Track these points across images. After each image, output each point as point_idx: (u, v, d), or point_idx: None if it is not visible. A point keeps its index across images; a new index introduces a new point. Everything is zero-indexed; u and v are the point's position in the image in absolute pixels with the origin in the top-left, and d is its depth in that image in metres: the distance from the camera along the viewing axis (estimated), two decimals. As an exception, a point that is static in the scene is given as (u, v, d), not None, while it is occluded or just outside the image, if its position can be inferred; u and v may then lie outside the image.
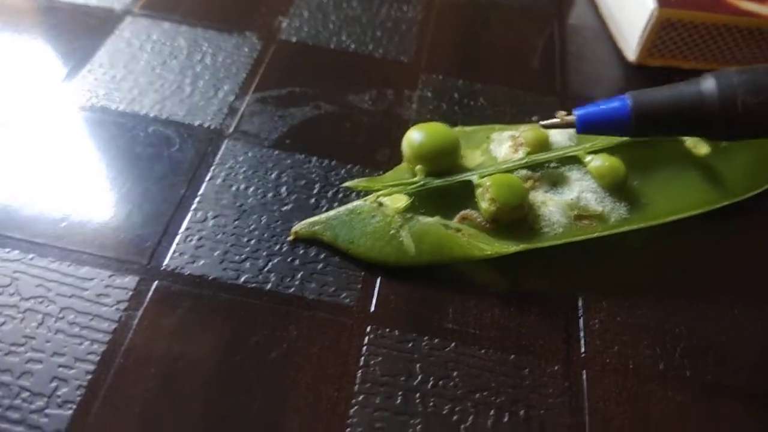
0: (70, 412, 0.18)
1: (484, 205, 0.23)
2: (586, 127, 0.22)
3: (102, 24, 0.31)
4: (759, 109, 0.20)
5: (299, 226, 0.23)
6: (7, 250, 0.22)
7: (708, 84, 0.20)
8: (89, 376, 0.19)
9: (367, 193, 0.24)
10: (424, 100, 0.29)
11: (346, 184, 0.25)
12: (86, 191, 0.24)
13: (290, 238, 0.23)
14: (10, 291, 0.21)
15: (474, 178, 0.24)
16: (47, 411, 0.18)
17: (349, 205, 0.23)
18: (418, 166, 0.24)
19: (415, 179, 0.24)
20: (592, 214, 0.24)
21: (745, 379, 0.21)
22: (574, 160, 0.25)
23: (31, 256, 0.22)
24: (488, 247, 0.23)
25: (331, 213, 0.23)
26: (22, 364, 0.19)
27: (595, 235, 0.23)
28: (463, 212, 0.23)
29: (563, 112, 0.23)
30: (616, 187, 0.24)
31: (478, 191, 0.23)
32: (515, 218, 0.23)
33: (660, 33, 0.31)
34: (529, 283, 0.23)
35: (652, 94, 0.21)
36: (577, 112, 0.22)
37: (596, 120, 0.21)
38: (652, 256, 0.24)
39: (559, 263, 0.24)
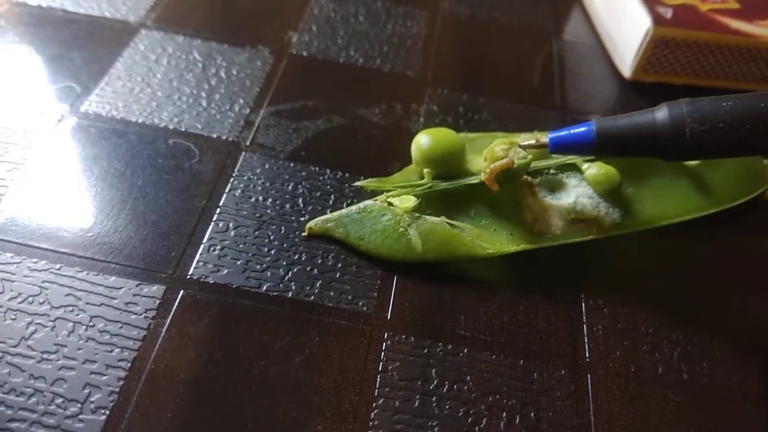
0: (104, 417, 0.19)
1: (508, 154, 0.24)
2: (556, 148, 0.24)
3: (118, 36, 0.31)
4: (704, 136, 0.23)
5: (313, 223, 0.25)
6: (35, 260, 0.22)
7: (661, 113, 0.23)
8: (121, 383, 0.20)
9: (375, 194, 0.25)
10: (431, 114, 0.30)
11: (358, 183, 0.26)
12: (111, 201, 0.24)
13: (304, 234, 0.24)
14: (39, 300, 0.21)
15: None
16: (81, 416, 0.19)
17: (360, 204, 0.25)
18: (426, 169, 0.25)
19: (423, 181, 0.25)
20: (588, 218, 0.25)
21: (738, 380, 0.22)
22: (572, 168, 0.26)
23: (58, 265, 0.22)
24: (490, 246, 0.24)
25: (344, 211, 0.25)
26: (55, 371, 0.20)
27: (591, 237, 0.25)
28: (493, 166, 0.24)
29: (537, 134, 0.25)
30: (611, 194, 0.26)
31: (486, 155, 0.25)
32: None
33: (654, 50, 0.32)
34: (534, 291, 0.24)
35: (614, 122, 0.23)
36: (550, 135, 0.24)
37: (565, 142, 0.24)
38: (647, 264, 0.26)
39: (562, 272, 0.25)
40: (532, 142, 0.25)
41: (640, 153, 0.24)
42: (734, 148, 0.23)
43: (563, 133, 0.24)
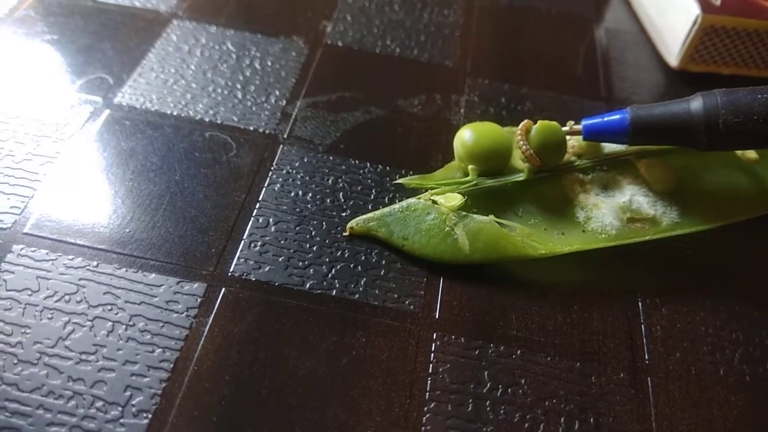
0: (146, 421, 0.18)
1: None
2: (590, 135, 0.24)
3: (149, 26, 0.31)
4: (737, 128, 0.22)
5: (354, 222, 0.24)
6: (71, 257, 0.22)
7: (696, 104, 0.23)
8: (164, 384, 0.19)
9: (417, 191, 0.24)
10: (472, 105, 0.29)
11: (399, 180, 0.25)
12: (149, 196, 0.24)
13: (346, 233, 0.23)
14: (77, 299, 0.21)
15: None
16: (123, 420, 0.18)
17: (404, 203, 0.24)
18: (471, 166, 0.24)
19: (468, 179, 0.24)
20: (645, 218, 0.24)
21: (805, 384, 0.21)
22: (626, 164, 0.25)
23: (95, 262, 0.21)
24: (542, 247, 0.23)
25: (386, 210, 0.24)
26: (94, 373, 0.19)
27: (647, 237, 0.24)
28: (519, 131, 0.24)
29: (572, 122, 0.25)
30: (668, 192, 0.25)
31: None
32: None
33: (703, 39, 0.31)
34: (588, 289, 0.23)
35: (649, 110, 0.24)
36: (584, 122, 0.24)
37: (599, 129, 0.24)
38: (705, 261, 0.24)
39: (617, 269, 0.24)
40: (566, 128, 0.24)
41: (673, 142, 0.24)
42: None
43: (597, 120, 0.24)
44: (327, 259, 0.23)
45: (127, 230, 0.22)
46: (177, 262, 0.22)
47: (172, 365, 0.19)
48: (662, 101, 0.24)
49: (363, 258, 0.23)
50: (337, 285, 0.22)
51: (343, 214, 0.24)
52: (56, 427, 0.18)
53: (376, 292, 0.22)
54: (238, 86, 0.28)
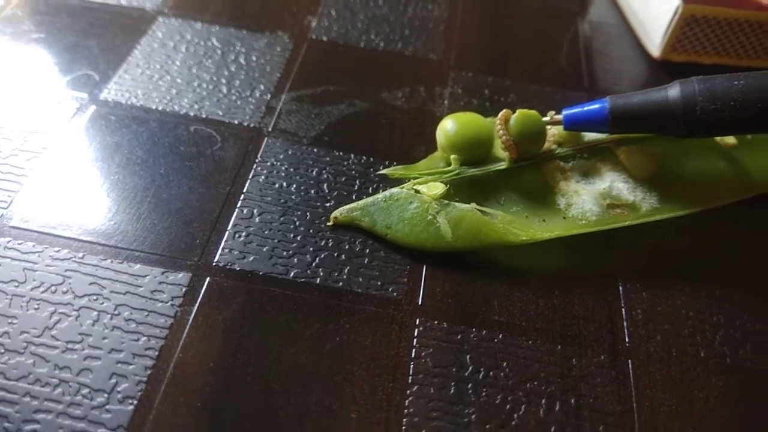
0: (132, 407, 0.18)
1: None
2: (571, 125, 0.25)
3: (135, 24, 0.31)
4: (714, 114, 0.23)
5: (338, 212, 0.24)
6: (57, 249, 0.22)
7: (674, 91, 0.23)
8: (149, 371, 0.19)
9: (401, 181, 0.25)
10: (455, 97, 0.30)
11: (383, 171, 0.25)
12: (134, 189, 0.24)
13: (329, 223, 0.24)
14: (63, 289, 0.21)
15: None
16: (108, 407, 0.18)
17: (387, 192, 0.24)
18: (453, 155, 0.24)
19: (451, 168, 0.24)
20: (624, 204, 0.24)
21: (784, 365, 0.22)
22: (606, 151, 0.26)
23: (81, 254, 0.22)
24: (523, 233, 0.23)
25: (369, 200, 0.24)
26: (80, 361, 0.19)
27: (627, 223, 0.24)
28: (498, 120, 0.24)
29: (552, 112, 0.25)
30: (647, 178, 0.25)
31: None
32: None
33: (684, 29, 0.31)
34: (569, 275, 0.23)
35: (628, 98, 0.24)
36: (564, 112, 0.25)
37: (579, 119, 0.24)
38: (685, 246, 0.25)
39: (597, 254, 0.24)
40: (547, 118, 0.25)
41: (652, 130, 0.24)
42: (745, 126, 0.24)
43: (577, 110, 0.24)
44: (311, 249, 0.23)
45: (113, 222, 0.23)
46: (162, 252, 0.22)
47: (157, 353, 0.20)
48: (644, 88, 0.25)
49: (347, 247, 0.23)
50: (321, 273, 0.22)
51: (327, 205, 0.24)
52: (43, 414, 0.18)
53: (360, 280, 0.22)
54: (223, 81, 0.29)
